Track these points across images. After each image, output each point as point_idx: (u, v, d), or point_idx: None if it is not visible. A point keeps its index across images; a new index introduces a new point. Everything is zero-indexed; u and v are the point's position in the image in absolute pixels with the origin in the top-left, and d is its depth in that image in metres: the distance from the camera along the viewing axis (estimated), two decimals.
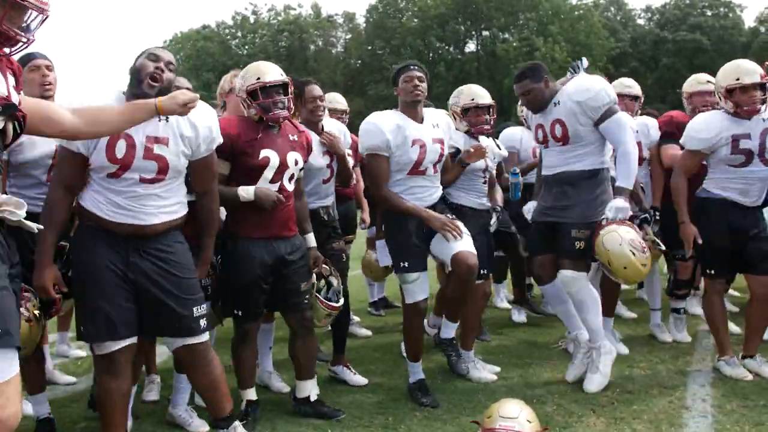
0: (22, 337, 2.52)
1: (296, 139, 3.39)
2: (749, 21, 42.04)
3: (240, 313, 3.29)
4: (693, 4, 39.94)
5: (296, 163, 3.33)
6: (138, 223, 2.70)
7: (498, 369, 4.20)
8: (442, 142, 3.73)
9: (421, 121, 3.68)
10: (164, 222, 2.77)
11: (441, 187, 3.83)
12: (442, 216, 3.61)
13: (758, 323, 4.04)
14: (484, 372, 4.02)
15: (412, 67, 3.70)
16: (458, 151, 3.99)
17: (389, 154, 3.59)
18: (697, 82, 4.90)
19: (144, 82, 2.71)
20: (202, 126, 2.84)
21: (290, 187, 3.33)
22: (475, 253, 3.61)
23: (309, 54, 43.24)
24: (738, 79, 3.79)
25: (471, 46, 40.61)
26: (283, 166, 3.26)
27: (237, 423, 3.02)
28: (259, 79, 3.22)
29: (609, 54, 37.17)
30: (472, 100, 4.09)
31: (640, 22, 43.10)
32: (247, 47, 43.04)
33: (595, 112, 3.71)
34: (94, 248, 2.69)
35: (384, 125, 3.57)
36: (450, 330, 3.97)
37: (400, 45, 38.57)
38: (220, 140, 2.97)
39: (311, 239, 3.57)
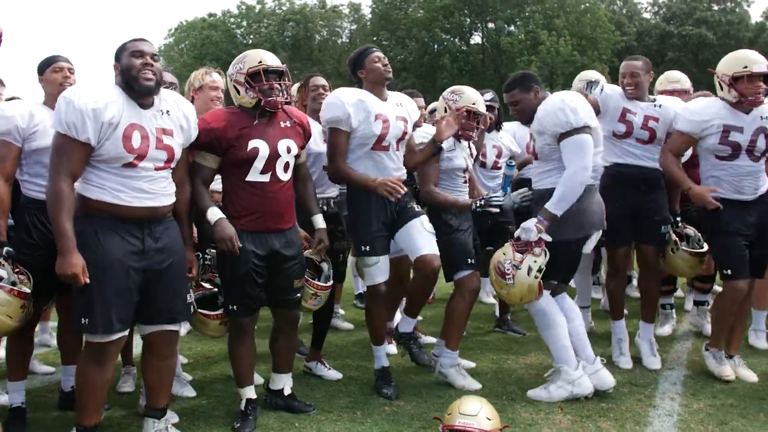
0: (15, 314, 2.91)
1: (288, 125, 3.35)
2: (756, 16, 41.85)
3: (235, 307, 3.29)
4: None
5: (289, 150, 3.29)
6: (156, 204, 2.88)
7: (473, 365, 4.24)
8: (405, 120, 3.74)
9: (385, 99, 3.71)
10: (170, 204, 2.97)
11: (404, 169, 3.82)
12: (385, 179, 3.58)
13: (739, 321, 4.05)
14: (468, 380, 3.89)
15: (375, 48, 3.74)
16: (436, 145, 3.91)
17: (350, 129, 3.59)
18: (667, 80, 4.93)
19: (139, 81, 2.81)
20: (192, 119, 3.05)
21: (284, 176, 3.29)
22: (438, 254, 3.64)
23: (314, 44, 43.13)
24: (746, 67, 3.73)
25: (476, 39, 40.43)
26: (274, 156, 3.24)
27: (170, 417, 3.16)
28: (261, 62, 3.24)
29: (614, 48, 36.93)
30: (474, 104, 3.96)
31: (646, 15, 42.79)
32: (252, 36, 42.91)
33: (556, 130, 3.58)
34: (107, 241, 2.78)
35: (346, 99, 3.58)
36: (408, 325, 3.95)
37: (405, 36, 38.42)
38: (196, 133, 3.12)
39: (319, 220, 3.56)
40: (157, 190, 2.88)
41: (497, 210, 3.84)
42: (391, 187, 3.55)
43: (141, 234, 2.84)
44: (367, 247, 3.65)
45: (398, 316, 4.38)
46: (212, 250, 3.42)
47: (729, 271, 3.86)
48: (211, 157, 3.21)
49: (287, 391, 3.56)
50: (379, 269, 3.69)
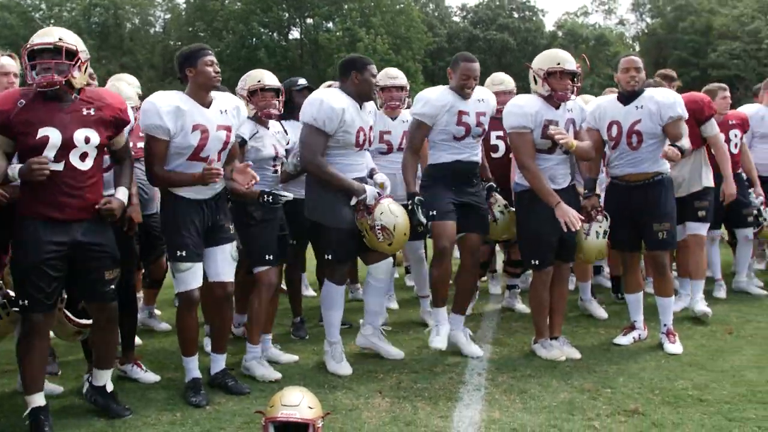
0: None
1: (92, 113, 3.16)
2: (549, 25, 46.04)
3: (26, 303, 3.06)
4: (502, 5, 42.86)
5: (87, 140, 3.11)
6: None
7: (296, 358, 4.30)
8: (229, 129, 3.63)
9: (208, 106, 3.57)
10: None
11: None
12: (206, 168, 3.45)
13: (560, 304, 4.38)
14: (268, 370, 3.95)
15: (210, 51, 3.61)
16: (243, 141, 3.95)
17: (168, 137, 3.45)
18: (492, 83, 5.28)
19: None
20: None
21: (83, 166, 3.12)
22: (233, 281, 3.72)
23: (125, 32, 40.68)
24: (559, 64, 4.04)
25: (294, 34, 40.50)
26: (68, 145, 3.06)
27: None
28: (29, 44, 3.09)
29: (427, 48, 38.81)
30: (259, 81, 4.08)
31: (456, 19, 45.50)
32: (52, 21, 39.50)
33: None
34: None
35: (162, 106, 3.42)
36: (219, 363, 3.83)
37: (222, 28, 37.47)
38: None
39: (121, 192, 3.34)
40: None
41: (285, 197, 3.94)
42: (213, 173, 3.44)
43: None
44: (183, 252, 3.51)
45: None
46: None
47: (537, 262, 4.23)
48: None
49: (110, 388, 3.43)
50: (194, 275, 3.56)
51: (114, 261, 3.29)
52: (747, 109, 6.16)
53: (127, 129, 3.43)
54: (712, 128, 5.13)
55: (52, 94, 3.07)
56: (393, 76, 5.08)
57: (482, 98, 4.39)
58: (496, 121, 4.60)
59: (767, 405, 3.39)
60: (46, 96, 3.06)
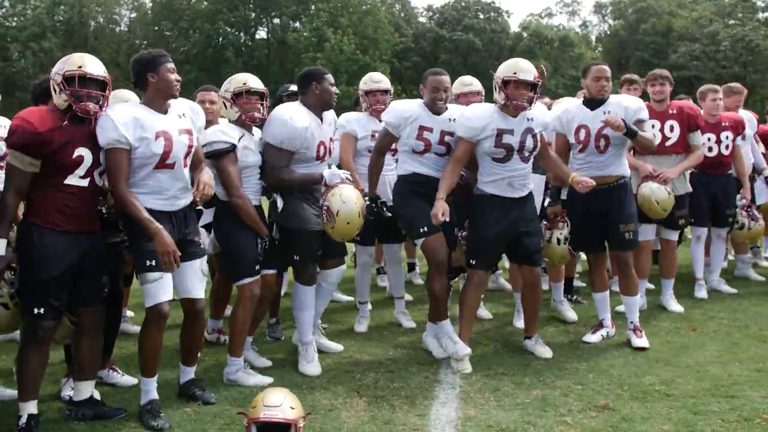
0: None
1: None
2: (514, 26, 46.60)
3: (42, 311, 3.15)
4: (467, 6, 43.24)
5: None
6: None
7: (269, 363, 4.30)
8: (190, 132, 3.52)
9: (165, 112, 3.45)
10: None
11: (190, 188, 3.59)
12: (168, 243, 3.29)
13: (533, 306, 4.43)
14: (258, 377, 3.97)
15: (170, 57, 3.53)
16: (233, 146, 3.86)
17: (129, 147, 3.30)
18: (462, 84, 5.27)
19: None
20: None
21: (100, 182, 3.33)
22: (202, 297, 3.61)
23: (89, 31, 40.02)
24: (515, 73, 4.03)
25: (261, 33, 40.34)
26: (96, 163, 3.27)
27: None
28: (80, 67, 3.21)
29: (394, 48, 38.97)
30: (244, 84, 4.01)
31: (422, 20, 45.74)
32: (16, 19, 38.67)
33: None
34: None
35: (118, 118, 3.27)
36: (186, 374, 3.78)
37: (189, 27, 37.21)
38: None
39: None
40: None
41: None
42: (167, 261, 3.32)
43: None
44: (152, 262, 3.32)
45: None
46: None
47: (473, 262, 4.29)
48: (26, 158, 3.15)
49: (97, 396, 3.48)
50: (162, 287, 3.37)
51: (108, 266, 3.46)
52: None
53: None
54: (698, 139, 5.33)
55: (80, 117, 3.21)
56: (377, 80, 5.20)
57: (455, 118, 4.31)
58: None
59: (730, 399, 3.55)
60: (76, 118, 3.21)
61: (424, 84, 4.38)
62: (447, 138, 4.32)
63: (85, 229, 3.28)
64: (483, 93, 5.26)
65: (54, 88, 3.22)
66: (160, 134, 3.36)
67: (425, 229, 4.19)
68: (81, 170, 3.21)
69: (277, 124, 3.97)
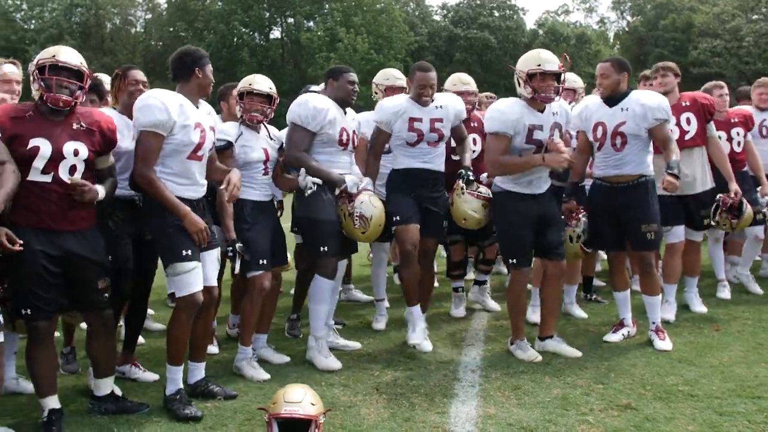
0: None
1: (83, 127, 3.22)
2: (530, 24, 46.34)
3: (28, 312, 3.10)
4: (483, 4, 43.04)
5: (76, 153, 3.17)
6: None
7: (287, 359, 4.31)
8: (213, 130, 3.70)
9: (197, 106, 3.60)
10: None
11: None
12: (200, 222, 3.44)
13: (553, 303, 4.40)
14: (258, 371, 3.97)
15: (208, 60, 3.63)
16: (230, 143, 3.99)
17: (167, 134, 3.40)
18: (461, 82, 5.25)
19: None
20: None
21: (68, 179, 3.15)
22: (214, 285, 3.63)
23: (106, 32, 40.31)
24: (539, 65, 4.01)
25: (276, 33, 40.43)
26: (57, 156, 3.11)
27: None
28: (54, 56, 3.17)
29: (408, 47, 38.88)
30: (249, 84, 4.12)
31: (437, 18, 45.60)
32: (34, 22, 39.04)
33: None
34: None
35: (167, 101, 3.38)
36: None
37: (203, 28, 37.32)
38: None
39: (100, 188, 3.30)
40: None
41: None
42: (201, 237, 3.48)
43: None
44: (189, 251, 3.40)
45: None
46: None
47: (514, 261, 4.26)
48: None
49: (118, 392, 3.49)
50: (198, 276, 3.44)
51: (105, 271, 3.35)
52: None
53: (112, 151, 3.44)
54: (714, 129, 5.17)
55: (47, 109, 3.14)
56: (398, 77, 5.36)
57: (441, 105, 4.46)
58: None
59: (756, 400, 3.49)
60: (42, 110, 3.15)
61: (411, 78, 4.49)
62: (437, 125, 4.45)
63: (62, 228, 3.15)
64: (477, 93, 5.41)
65: (31, 79, 3.20)
66: (198, 125, 3.50)
67: (398, 218, 4.39)
68: (39, 164, 3.07)
69: (300, 103, 4.20)
